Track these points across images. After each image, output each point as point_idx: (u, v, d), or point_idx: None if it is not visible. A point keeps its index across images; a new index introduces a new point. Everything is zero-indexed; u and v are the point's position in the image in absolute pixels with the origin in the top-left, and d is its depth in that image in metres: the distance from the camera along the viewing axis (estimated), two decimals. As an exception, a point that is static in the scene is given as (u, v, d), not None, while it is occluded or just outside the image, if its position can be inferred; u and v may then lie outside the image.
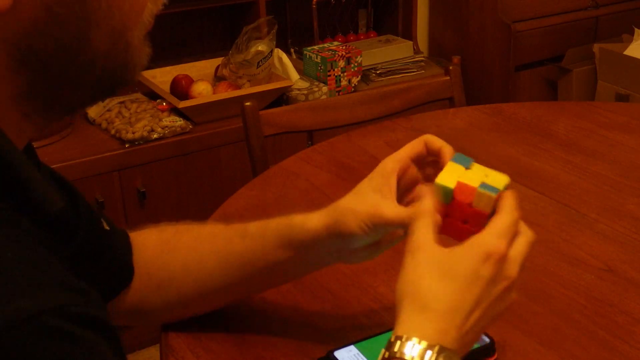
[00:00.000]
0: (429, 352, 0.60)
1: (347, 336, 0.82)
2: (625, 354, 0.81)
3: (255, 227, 0.80)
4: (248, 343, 0.83)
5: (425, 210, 0.66)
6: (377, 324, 0.86)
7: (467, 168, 0.69)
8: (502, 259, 0.64)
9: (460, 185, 0.67)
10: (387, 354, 0.61)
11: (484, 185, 0.66)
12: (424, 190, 0.68)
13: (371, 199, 0.72)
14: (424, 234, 0.65)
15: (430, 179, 0.74)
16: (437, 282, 0.63)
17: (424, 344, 0.60)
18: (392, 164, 0.74)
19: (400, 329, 0.62)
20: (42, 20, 0.52)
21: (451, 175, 0.68)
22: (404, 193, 0.75)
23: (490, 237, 0.64)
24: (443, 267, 0.63)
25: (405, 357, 0.60)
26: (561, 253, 1.00)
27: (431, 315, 0.62)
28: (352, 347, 0.79)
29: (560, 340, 0.83)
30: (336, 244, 0.75)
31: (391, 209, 0.71)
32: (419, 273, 0.63)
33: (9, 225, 0.51)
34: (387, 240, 0.76)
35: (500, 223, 0.65)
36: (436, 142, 0.74)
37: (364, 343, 0.79)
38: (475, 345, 0.77)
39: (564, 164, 1.27)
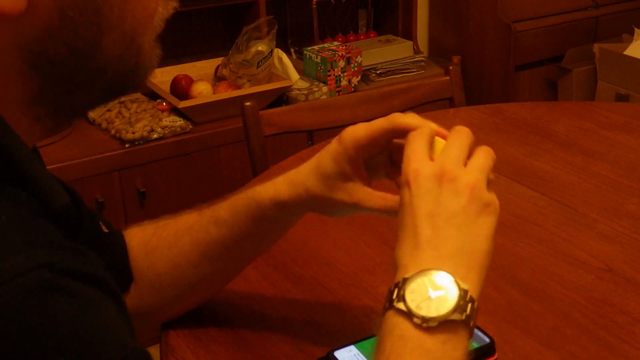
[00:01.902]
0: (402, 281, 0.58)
1: (347, 336, 0.82)
2: (625, 354, 0.81)
3: (225, 212, 0.79)
4: (248, 343, 0.83)
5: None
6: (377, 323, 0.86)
7: None
8: (416, 177, 0.62)
9: None
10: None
11: None
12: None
13: (347, 187, 0.72)
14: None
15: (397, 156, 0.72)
16: (402, 227, 0.62)
17: (399, 281, 0.58)
18: (352, 150, 0.72)
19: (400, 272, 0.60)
20: (55, 25, 0.53)
21: None
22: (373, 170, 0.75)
23: (404, 164, 0.64)
24: (401, 220, 0.63)
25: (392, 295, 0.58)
26: (561, 253, 1.00)
27: (403, 251, 0.60)
28: (352, 347, 0.79)
29: (560, 340, 0.83)
30: (310, 208, 0.76)
31: (370, 198, 0.72)
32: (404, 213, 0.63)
33: (6, 197, 0.52)
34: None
35: (407, 151, 0.65)
36: (403, 121, 0.70)
37: (364, 343, 0.79)
38: (475, 345, 0.77)
39: (564, 164, 1.27)
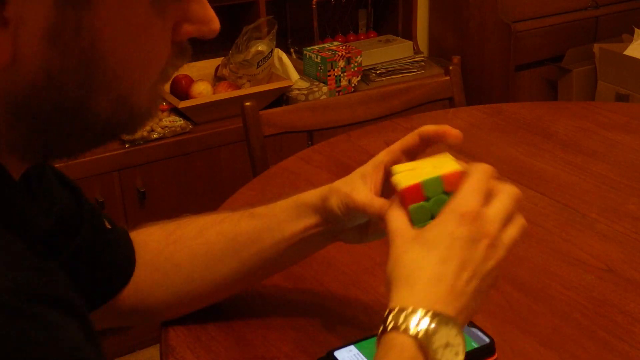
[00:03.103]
0: (426, 319, 0.60)
1: (347, 336, 0.82)
2: (625, 354, 0.81)
3: (263, 207, 0.83)
4: (248, 343, 0.83)
5: (395, 204, 0.68)
6: (377, 324, 0.85)
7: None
8: (476, 217, 0.64)
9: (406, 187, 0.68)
10: (381, 327, 0.62)
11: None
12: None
13: (354, 182, 0.76)
14: (398, 221, 0.66)
15: None
16: (417, 253, 0.64)
17: (420, 311, 0.60)
18: (384, 155, 0.77)
19: (393, 301, 0.62)
20: (40, 83, 0.50)
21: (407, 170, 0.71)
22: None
23: (459, 199, 0.65)
24: (421, 239, 0.64)
25: (399, 325, 0.60)
26: (561, 253, 1.00)
27: (419, 284, 0.62)
28: (352, 347, 0.79)
29: (560, 340, 0.83)
30: (330, 217, 0.78)
31: (363, 195, 0.74)
32: (400, 252, 0.65)
33: None
34: (371, 231, 0.79)
35: (467, 185, 0.66)
36: (430, 129, 0.75)
37: (364, 343, 0.79)
38: (475, 345, 0.77)
39: (564, 164, 1.27)
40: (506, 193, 0.66)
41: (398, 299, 0.62)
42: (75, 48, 0.50)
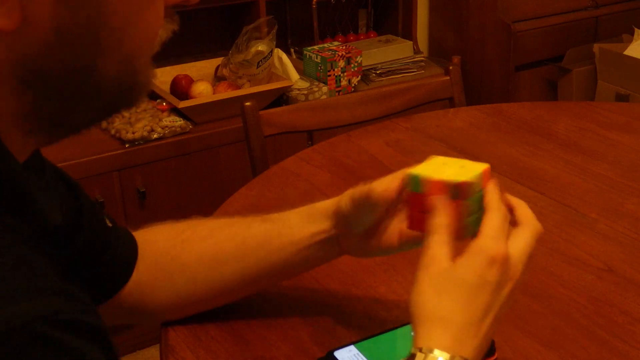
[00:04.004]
0: None
1: (347, 336, 0.82)
2: (625, 354, 0.81)
3: (277, 213, 0.83)
4: (248, 343, 0.83)
5: (441, 225, 0.67)
6: (377, 324, 0.86)
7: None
8: (504, 261, 0.65)
9: (430, 181, 0.68)
10: None
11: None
12: (435, 202, 0.68)
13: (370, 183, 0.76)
14: (439, 249, 0.66)
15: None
16: (450, 293, 0.64)
17: (445, 355, 0.62)
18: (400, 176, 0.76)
19: (421, 341, 0.63)
20: (50, 43, 0.51)
21: (427, 168, 0.70)
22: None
23: (489, 240, 0.65)
24: (453, 279, 0.65)
25: None
26: (561, 253, 1.00)
27: (449, 326, 0.63)
28: (352, 347, 0.79)
29: (560, 340, 0.83)
30: (341, 221, 0.79)
31: (384, 183, 0.74)
32: (433, 289, 0.65)
33: (3, 228, 0.51)
34: (380, 244, 0.79)
35: (492, 224, 0.66)
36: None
37: (364, 343, 0.79)
38: None
39: (564, 164, 1.27)
40: (531, 232, 0.68)
41: (427, 338, 0.63)
42: (83, 6, 0.51)
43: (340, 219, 0.79)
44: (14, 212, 0.53)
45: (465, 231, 0.68)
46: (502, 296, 0.65)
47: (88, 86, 0.55)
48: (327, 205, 0.80)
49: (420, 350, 0.62)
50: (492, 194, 0.68)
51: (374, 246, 0.80)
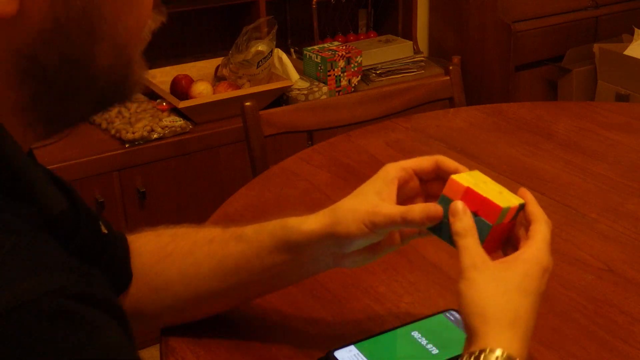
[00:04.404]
0: None
1: (347, 336, 0.82)
2: (625, 354, 0.81)
3: (251, 230, 0.80)
4: (248, 343, 0.83)
5: (471, 227, 0.69)
6: (377, 324, 0.86)
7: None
8: (550, 271, 0.69)
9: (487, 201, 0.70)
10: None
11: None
12: (459, 206, 0.70)
13: (371, 199, 0.73)
14: (477, 250, 0.68)
15: (434, 195, 0.75)
16: (515, 301, 0.66)
17: (506, 354, 0.63)
18: (395, 171, 0.75)
19: (490, 342, 0.64)
20: (48, 30, 0.52)
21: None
22: (402, 203, 0.75)
23: (544, 253, 0.69)
24: (516, 286, 0.67)
25: None
26: (561, 253, 0.99)
27: (519, 330, 0.65)
28: (352, 347, 0.79)
29: (560, 340, 0.83)
30: (331, 246, 0.75)
31: (390, 207, 0.72)
32: (496, 290, 0.66)
33: (9, 212, 0.52)
34: (383, 246, 0.77)
35: (543, 235, 0.69)
36: (451, 164, 0.75)
37: (364, 343, 0.79)
38: None
39: (564, 164, 1.27)
40: (546, 223, 0.71)
41: (497, 340, 0.64)
42: None
43: (333, 244, 0.75)
44: (21, 198, 0.53)
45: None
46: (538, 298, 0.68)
47: (84, 75, 0.56)
48: (298, 237, 0.75)
49: (485, 351, 0.63)
50: (535, 205, 0.71)
51: (380, 250, 0.77)
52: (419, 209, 0.70)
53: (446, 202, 0.70)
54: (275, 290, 0.86)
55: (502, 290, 0.66)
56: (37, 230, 0.52)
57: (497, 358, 0.63)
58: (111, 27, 0.55)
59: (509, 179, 1.20)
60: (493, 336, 0.64)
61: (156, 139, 2.04)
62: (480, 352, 0.63)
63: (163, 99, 2.18)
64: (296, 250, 0.76)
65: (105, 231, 0.77)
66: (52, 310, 0.46)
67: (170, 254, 0.82)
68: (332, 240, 0.74)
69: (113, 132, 2.05)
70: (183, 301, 0.82)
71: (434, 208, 0.70)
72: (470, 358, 0.63)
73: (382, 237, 0.75)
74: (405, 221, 0.71)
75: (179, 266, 0.82)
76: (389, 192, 0.73)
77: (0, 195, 0.52)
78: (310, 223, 0.75)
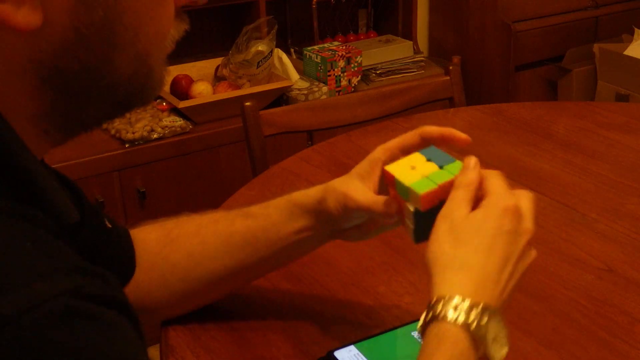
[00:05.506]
0: (474, 310, 0.61)
1: (347, 336, 0.82)
2: (625, 354, 0.81)
3: (256, 207, 0.83)
4: (248, 343, 0.83)
5: (468, 183, 0.68)
6: (377, 324, 0.86)
7: (439, 165, 0.70)
8: (517, 211, 0.66)
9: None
10: (429, 315, 0.62)
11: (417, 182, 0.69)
12: (471, 162, 0.69)
13: (352, 181, 0.76)
14: (458, 203, 0.67)
15: None
16: (467, 243, 0.64)
17: (467, 301, 0.61)
18: (380, 152, 0.77)
19: (440, 289, 0.63)
20: (69, 41, 0.53)
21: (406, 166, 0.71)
22: None
23: (499, 195, 0.67)
24: (470, 229, 0.65)
25: (449, 316, 0.61)
26: (561, 253, 0.99)
27: (469, 274, 0.63)
28: (352, 347, 0.79)
29: (560, 340, 0.83)
30: (326, 219, 0.78)
31: (362, 193, 0.74)
32: (451, 238, 0.65)
33: (24, 218, 0.52)
34: (376, 225, 0.79)
35: (497, 182, 0.68)
36: (434, 131, 0.75)
37: (364, 343, 0.79)
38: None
39: (564, 164, 1.27)
40: (526, 195, 0.69)
41: (447, 286, 0.63)
42: (99, 4, 0.53)
43: (327, 217, 0.78)
44: (36, 206, 0.54)
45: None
46: (519, 248, 0.66)
47: (104, 83, 0.57)
48: (307, 200, 0.79)
49: (442, 298, 0.62)
50: (477, 164, 0.69)
51: (371, 230, 0.80)
52: (383, 203, 0.72)
53: (401, 189, 0.70)
54: (281, 265, 0.88)
55: (456, 237, 0.65)
56: (51, 235, 0.53)
57: (443, 305, 0.62)
58: (132, 37, 0.56)
59: (509, 179, 1.20)
60: (442, 283, 0.63)
61: (156, 139, 2.04)
62: (432, 304, 0.62)
63: (163, 99, 2.18)
64: (302, 216, 0.79)
65: (110, 226, 0.78)
66: (68, 311, 0.47)
67: (176, 238, 0.84)
68: (325, 214, 0.78)
69: (113, 132, 2.05)
70: (191, 283, 0.83)
71: (394, 204, 0.71)
72: (428, 312, 0.63)
73: (363, 219, 0.78)
74: (371, 212, 0.73)
75: (185, 247, 0.83)
76: (371, 175, 0.76)
77: (17, 202, 0.52)
78: (313, 191, 0.79)
